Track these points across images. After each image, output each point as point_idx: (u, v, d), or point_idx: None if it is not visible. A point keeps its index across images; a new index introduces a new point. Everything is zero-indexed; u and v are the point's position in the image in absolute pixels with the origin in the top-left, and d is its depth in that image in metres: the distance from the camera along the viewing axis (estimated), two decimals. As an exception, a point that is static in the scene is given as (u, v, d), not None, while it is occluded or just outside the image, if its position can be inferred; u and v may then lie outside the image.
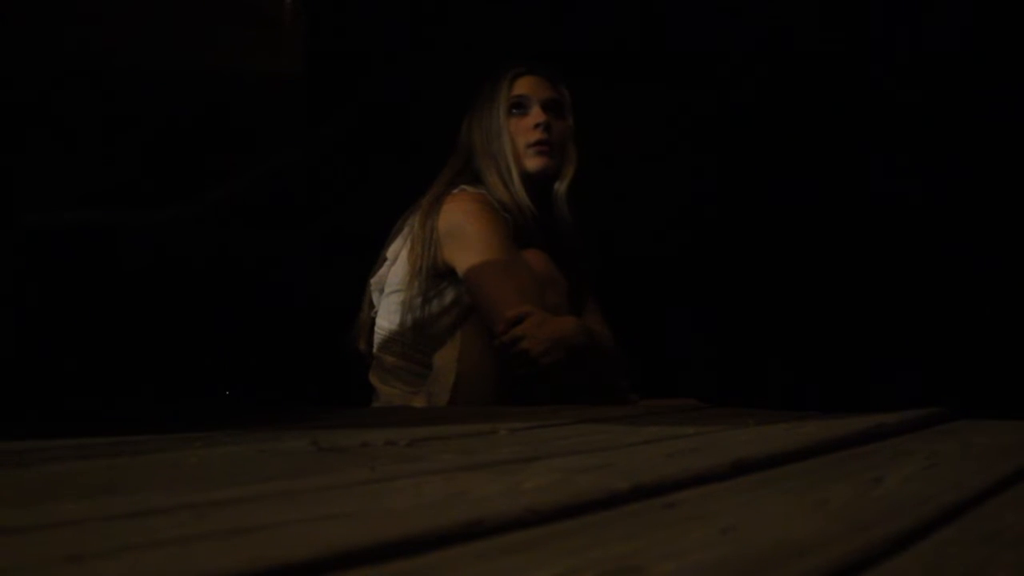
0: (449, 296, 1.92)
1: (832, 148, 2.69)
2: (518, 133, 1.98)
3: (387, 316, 1.96)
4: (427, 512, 0.63)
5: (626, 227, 2.60)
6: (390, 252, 1.99)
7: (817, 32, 2.64)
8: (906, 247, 2.64)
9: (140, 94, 1.54)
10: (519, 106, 2.00)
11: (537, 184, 1.99)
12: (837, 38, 2.64)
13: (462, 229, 1.89)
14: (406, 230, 1.97)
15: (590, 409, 1.74)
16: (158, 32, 1.37)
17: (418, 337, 1.93)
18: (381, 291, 1.99)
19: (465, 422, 1.36)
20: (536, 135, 1.97)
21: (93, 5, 1.31)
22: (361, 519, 0.60)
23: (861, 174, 2.68)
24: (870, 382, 2.57)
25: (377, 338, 1.99)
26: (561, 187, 2.00)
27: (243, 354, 2.62)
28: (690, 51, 2.70)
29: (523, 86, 2.01)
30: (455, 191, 1.95)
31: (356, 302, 2.04)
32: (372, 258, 2.04)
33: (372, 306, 2.01)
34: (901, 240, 2.65)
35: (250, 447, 0.99)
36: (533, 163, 1.97)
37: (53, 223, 2.36)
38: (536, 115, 1.98)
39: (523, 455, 0.95)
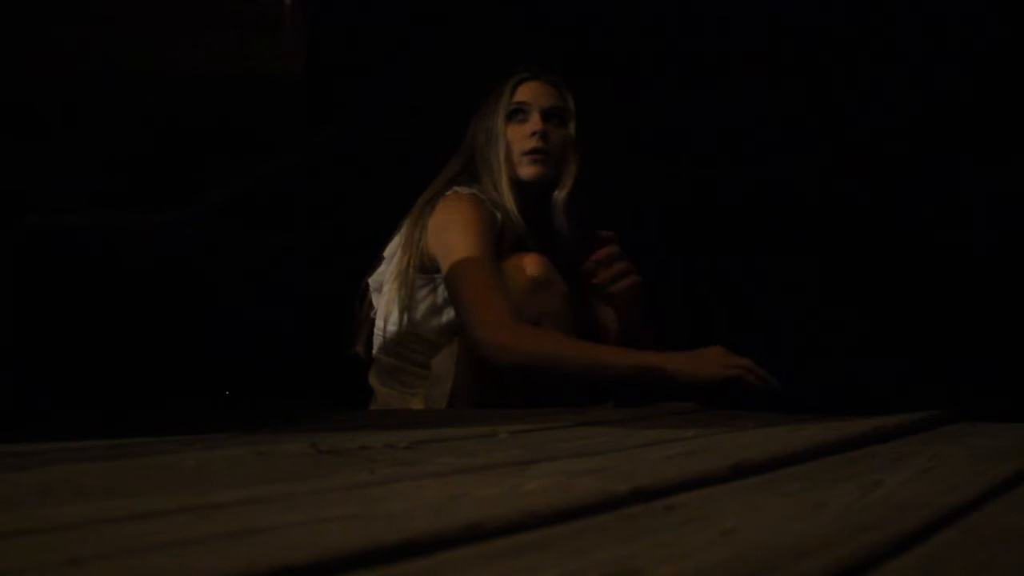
0: (441, 295, 1.92)
1: (832, 149, 2.69)
2: (515, 140, 1.98)
3: (383, 316, 1.97)
4: (426, 515, 0.63)
5: (627, 224, 2.60)
6: (387, 252, 2.00)
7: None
8: (906, 247, 2.64)
9: (140, 96, 1.54)
10: (519, 112, 1.99)
11: (533, 191, 1.98)
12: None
13: (447, 230, 1.89)
14: (403, 230, 1.98)
15: (590, 412, 1.74)
16: (158, 35, 1.37)
17: (413, 337, 1.93)
18: (379, 291, 2.00)
19: (464, 424, 1.36)
20: (532, 143, 1.96)
21: (93, 7, 1.31)
22: (361, 522, 0.60)
23: (861, 175, 2.68)
24: (870, 383, 2.56)
25: (375, 339, 2.00)
26: (560, 195, 1.99)
27: (242, 356, 2.62)
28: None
29: (524, 92, 2.01)
30: (448, 192, 1.96)
31: (356, 304, 2.04)
32: (372, 260, 2.04)
33: (372, 307, 2.02)
34: (901, 240, 2.65)
35: (249, 449, 0.99)
36: (527, 171, 1.97)
37: (53, 225, 2.36)
38: (534, 123, 1.97)
39: (523, 457, 0.96)
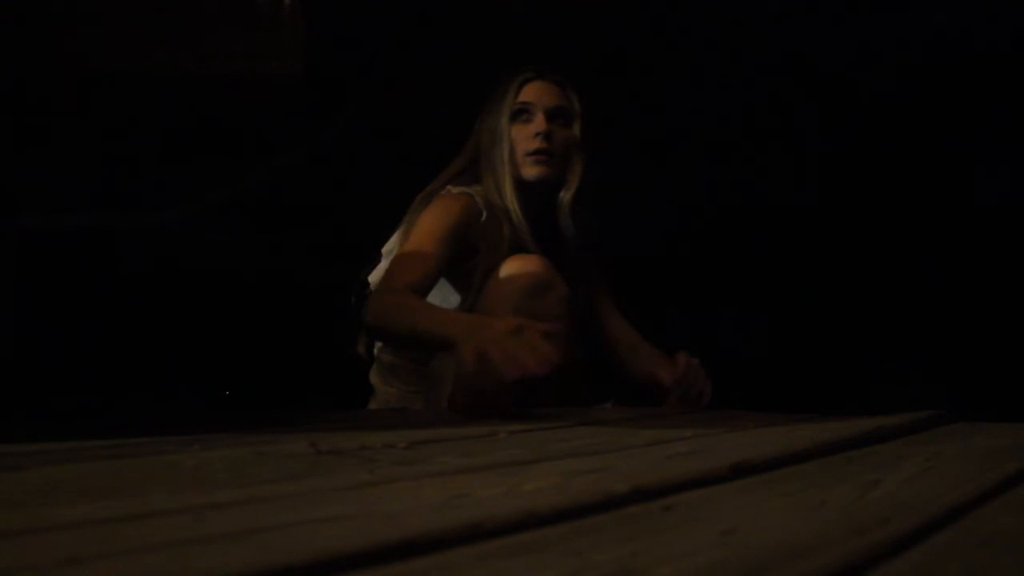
0: (437, 294, 1.92)
1: (830, 146, 2.69)
2: (519, 140, 1.97)
3: None
4: (426, 514, 0.63)
5: (627, 227, 2.60)
6: (385, 249, 2.00)
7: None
8: (906, 247, 2.64)
9: (140, 97, 1.54)
10: (523, 112, 1.99)
11: (536, 192, 1.98)
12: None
13: (421, 220, 1.90)
14: (401, 227, 1.98)
15: (590, 412, 1.74)
16: (158, 35, 1.37)
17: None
18: (378, 288, 2.00)
19: (464, 424, 1.36)
20: (536, 144, 1.95)
21: (93, 8, 1.31)
22: (360, 521, 0.60)
23: (860, 171, 2.68)
24: (870, 383, 2.57)
25: (377, 337, 2.00)
26: (566, 196, 1.99)
27: (243, 356, 2.62)
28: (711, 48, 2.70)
29: (529, 92, 2.00)
30: (443, 191, 1.96)
31: (356, 302, 2.04)
32: (372, 259, 2.04)
33: None
34: (900, 240, 2.65)
35: (249, 449, 0.99)
36: (530, 171, 1.96)
37: (53, 225, 2.36)
38: (538, 123, 1.97)
39: (522, 457, 0.96)
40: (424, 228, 1.88)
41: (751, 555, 0.55)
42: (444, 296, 1.94)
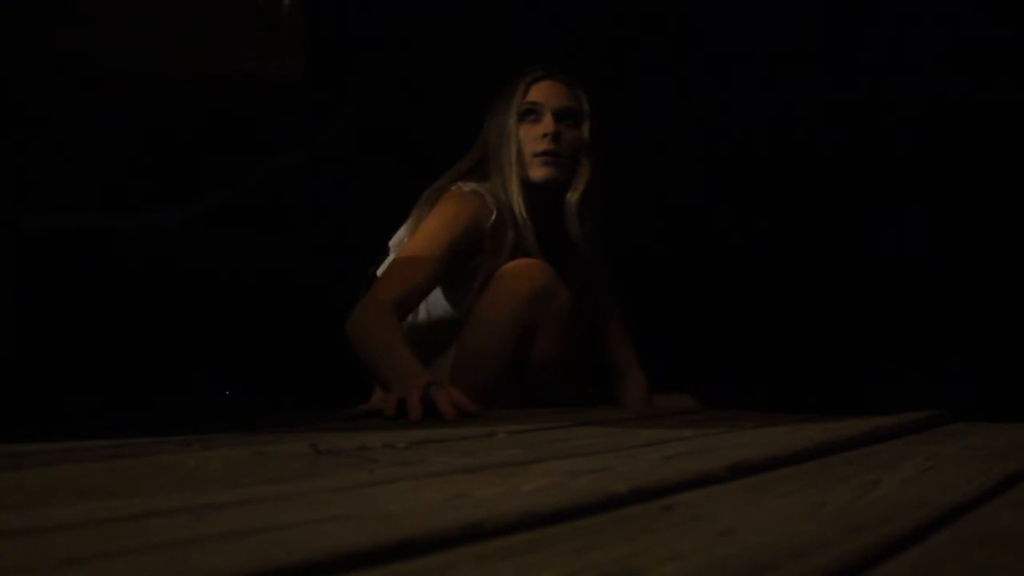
0: (440, 291, 1.92)
1: (831, 147, 2.69)
2: (527, 141, 1.95)
3: None
4: (425, 514, 0.63)
5: (627, 225, 2.60)
6: (392, 243, 1.99)
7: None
8: (905, 246, 2.64)
9: (140, 97, 1.54)
10: (531, 113, 1.97)
11: (543, 193, 1.97)
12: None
13: (429, 218, 1.90)
14: (408, 222, 1.97)
15: (589, 412, 1.74)
16: (158, 35, 1.37)
17: (414, 332, 1.92)
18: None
19: (463, 425, 1.36)
20: (543, 145, 1.94)
21: (93, 8, 1.31)
22: (360, 521, 0.60)
23: (859, 171, 2.68)
24: (870, 383, 2.57)
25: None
26: (573, 198, 1.97)
27: (242, 356, 2.62)
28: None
29: (537, 92, 1.98)
30: (453, 188, 1.95)
31: (361, 294, 2.04)
32: (373, 259, 2.03)
33: None
34: (900, 239, 2.65)
35: (248, 450, 0.99)
36: (538, 172, 1.95)
37: (53, 225, 2.36)
38: (547, 124, 1.95)
39: (522, 458, 0.96)
40: (429, 230, 1.87)
41: (750, 555, 0.55)
42: (443, 297, 1.94)
